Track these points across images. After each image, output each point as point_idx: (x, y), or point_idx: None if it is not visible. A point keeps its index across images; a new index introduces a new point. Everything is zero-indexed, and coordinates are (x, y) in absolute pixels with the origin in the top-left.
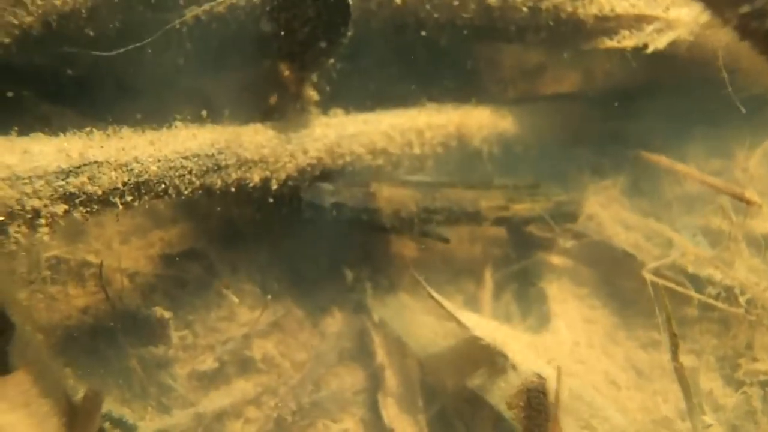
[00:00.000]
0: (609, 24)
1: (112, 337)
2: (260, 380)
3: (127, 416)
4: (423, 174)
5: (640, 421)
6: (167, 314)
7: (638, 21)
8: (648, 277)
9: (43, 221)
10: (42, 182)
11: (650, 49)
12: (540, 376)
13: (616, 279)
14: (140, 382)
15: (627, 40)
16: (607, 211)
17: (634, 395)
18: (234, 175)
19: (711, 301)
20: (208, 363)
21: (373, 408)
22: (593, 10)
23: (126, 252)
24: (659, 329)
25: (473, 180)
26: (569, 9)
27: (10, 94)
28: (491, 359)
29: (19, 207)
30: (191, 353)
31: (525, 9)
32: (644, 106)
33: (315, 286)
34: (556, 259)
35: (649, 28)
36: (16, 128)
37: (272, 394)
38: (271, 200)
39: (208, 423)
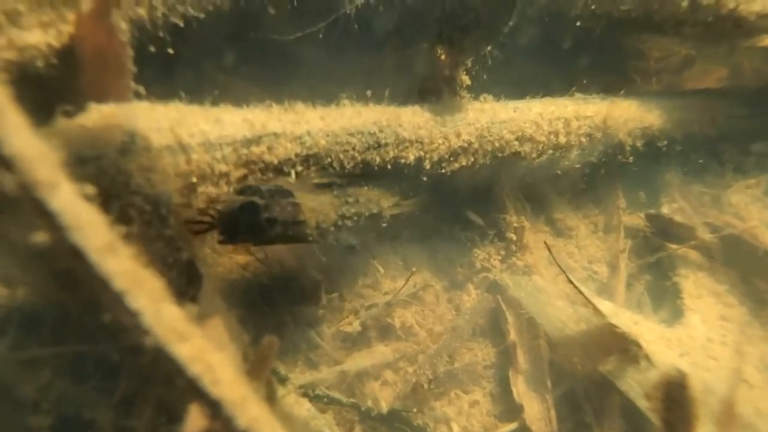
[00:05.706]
0: None
1: (268, 293)
2: (399, 347)
3: (279, 368)
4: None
5: None
6: (319, 276)
7: None
8: None
9: (225, 184)
10: (230, 149)
11: None
12: (680, 371)
13: (754, 278)
14: (291, 337)
15: None
16: (750, 210)
17: (766, 395)
18: (392, 153)
19: None
20: (353, 326)
21: (502, 383)
22: (756, 7)
23: None
24: None
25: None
26: (731, 5)
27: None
28: (624, 347)
29: (209, 170)
30: (338, 315)
31: (684, 3)
32: None
33: (452, 264)
34: (692, 254)
35: None
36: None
37: (409, 361)
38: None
39: (350, 381)
